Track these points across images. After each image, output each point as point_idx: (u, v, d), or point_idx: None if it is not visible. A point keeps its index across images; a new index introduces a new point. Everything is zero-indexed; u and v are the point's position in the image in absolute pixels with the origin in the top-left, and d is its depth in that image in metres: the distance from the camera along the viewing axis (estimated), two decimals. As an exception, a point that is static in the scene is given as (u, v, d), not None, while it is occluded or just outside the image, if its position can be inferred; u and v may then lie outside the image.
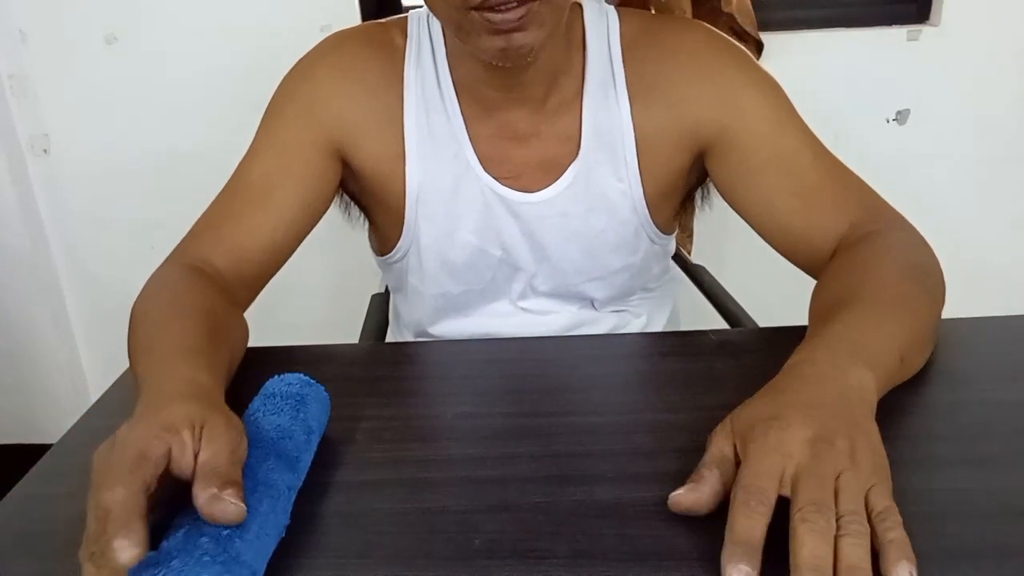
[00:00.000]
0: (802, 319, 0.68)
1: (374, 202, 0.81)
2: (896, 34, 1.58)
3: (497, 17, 0.61)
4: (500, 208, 0.77)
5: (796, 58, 1.55)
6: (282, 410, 0.52)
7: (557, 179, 0.76)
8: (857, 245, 0.66)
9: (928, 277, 0.63)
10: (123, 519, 0.39)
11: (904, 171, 1.61)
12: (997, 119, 1.63)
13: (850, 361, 0.51)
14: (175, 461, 0.43)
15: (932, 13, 1.59)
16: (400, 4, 1.62)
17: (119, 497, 0.40)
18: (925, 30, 1.57)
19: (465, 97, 0.76)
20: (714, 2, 1.40)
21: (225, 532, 0.41)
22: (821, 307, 0.60)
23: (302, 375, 0.55)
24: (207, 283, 0.66)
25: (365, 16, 1.56)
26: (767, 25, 1.49)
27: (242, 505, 0.41)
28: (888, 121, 1.64)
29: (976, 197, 1.69)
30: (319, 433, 0.54)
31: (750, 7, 1.44)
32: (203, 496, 0.41)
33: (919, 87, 1.61)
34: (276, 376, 0.55)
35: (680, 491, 0.46)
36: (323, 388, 0.56)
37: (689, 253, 1.48)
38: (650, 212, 0.78)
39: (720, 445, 0.47)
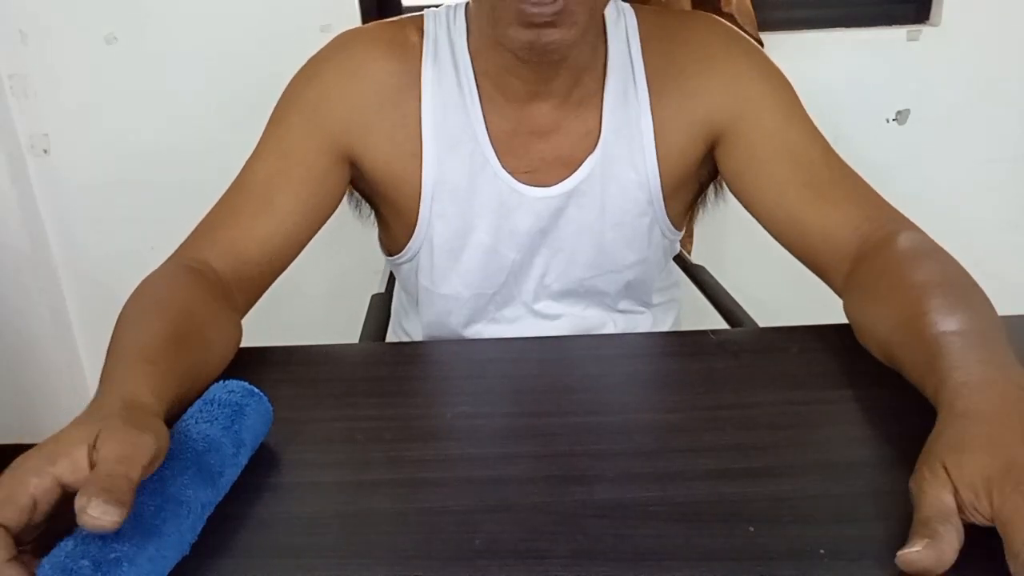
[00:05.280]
0: (801, 319, 0.68)
1: (387, 201, 0.80)
2: (896, 34, 1.58)
3: (532, 9, 0.61)
4: (515, 204, 0.77)
5: (796, 58, 1.54)
6: (216, 419, 0.49)
7: (573, 172, 0.76)
8: (909, 248, 0.64)
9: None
10: None
11: (904, 171, 1.61)
12: (997, 119, 1.63)
13: (1015, 369, 0.49)
14: (70, 484, 0.41)
15: (932, 13, 1.59)
16: (400, 4, 1.62)
17: None
18: (925, 30, 1.57)
19: (487, 91, 0.75)
20: (714, 2, 1.41)
21: (112, 556, 0.38)
22: (924, 313, 0.56)
23: (247, 384, 0.53)
24: (196, 281, 0.65)
25: (365, 16, 1.56)
26: (767, 25, 1.49)
27: (114, 517, 0.38)
28: (888, 121, 1.64)
29: (976, 197, 1.69)
30: (251, 447, 0.51)
31: (750, 7, 1.44)
32: (77, 506, 0.38)
33: (919, 87, 1.61)
34: (220, 381, 0.53)
35: (914, 549, 0.40)
36: (266, 399, 0.53)
37: (689, 253, 1.48)
38: (665, 204, 0.79)
39: (940, 496, 0.42)
